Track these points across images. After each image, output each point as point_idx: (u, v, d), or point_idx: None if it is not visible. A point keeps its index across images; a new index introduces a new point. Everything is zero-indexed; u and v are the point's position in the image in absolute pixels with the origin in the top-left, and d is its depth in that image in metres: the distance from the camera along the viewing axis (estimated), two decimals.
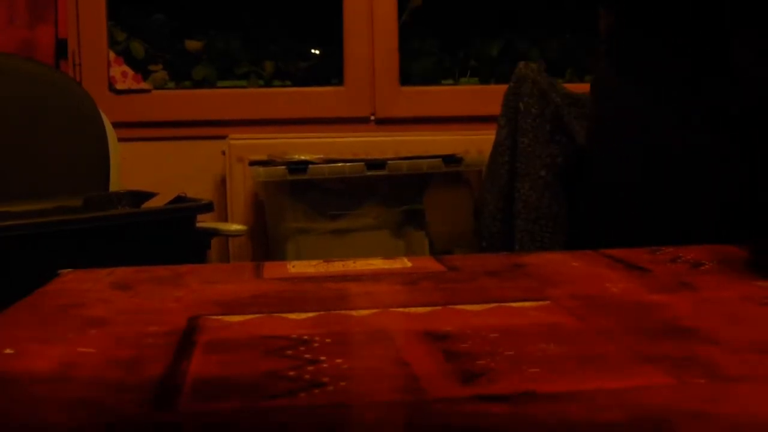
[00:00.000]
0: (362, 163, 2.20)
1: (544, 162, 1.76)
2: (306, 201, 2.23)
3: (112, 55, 2.56)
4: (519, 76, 1.79)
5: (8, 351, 0.50)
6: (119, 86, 2.57)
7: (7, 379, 0.45)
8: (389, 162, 2.21)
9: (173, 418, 0.39)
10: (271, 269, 0.80)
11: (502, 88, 1.86)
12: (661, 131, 0.95)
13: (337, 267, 0.80)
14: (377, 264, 0.81)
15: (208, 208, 1.66)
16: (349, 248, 2.20)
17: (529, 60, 2.08)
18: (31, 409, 0.41)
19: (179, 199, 1.66)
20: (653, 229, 0.95)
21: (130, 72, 2.61)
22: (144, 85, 2.62)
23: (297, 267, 0.80)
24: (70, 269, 0.79)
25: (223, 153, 2.43)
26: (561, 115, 1.78)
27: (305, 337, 0.53)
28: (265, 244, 2.40)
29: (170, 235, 1.59)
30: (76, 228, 1.49)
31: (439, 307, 0.62)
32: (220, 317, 0.60)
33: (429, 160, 2.23)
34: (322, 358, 0.49)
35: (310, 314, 0.60)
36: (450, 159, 2.24)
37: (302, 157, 2.23)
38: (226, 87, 2.86)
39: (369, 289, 0.70)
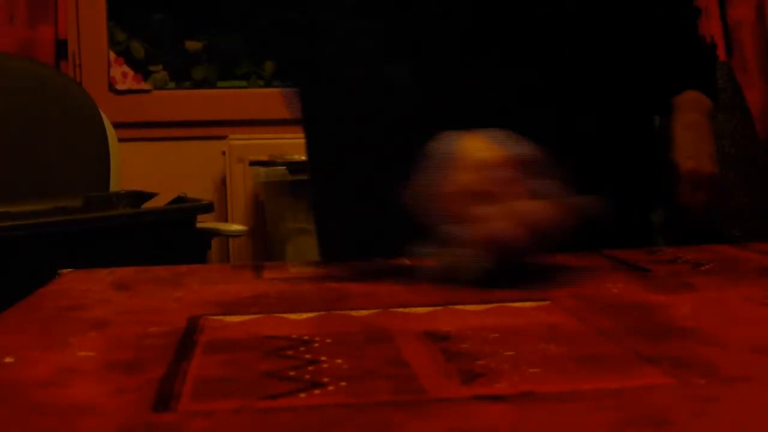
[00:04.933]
0: None
1: None
2: (306, 201, 2.23)
3: (112, 55, 2.57)
4: None
5: (8, 360, 0.50)
6: (119, 86, 2.57)
7: (8, 387, 0.45)
8: None
9: (173, 418, 0.39)
10: (271, 269, 0.80)
11: None
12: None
13: (337, 267, 0.79)
14: (377, 264, 0.81)
15: (208, 208, 1.66)
16: None
17: None
18: (32, 416, 0.41)
19: (179, 199, 1.66)
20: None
21: (131, 72, 2.61)
22: (144, 86, 2.62)
23: (297, 267, 0.80)
24: (70, 269, 0.79)
25: (223, 153, 2.43)
26: None
27: (305, 337, 0.53)
28: (265, 244, 2.40)
29: (170, 235, 1.59)
30: (76, 228, 1.50)
31: (439, 307, 0.62)
32: (220, 317, 0.60)
33: None
34: (322, 358, 0.49)
35: (310, 314, 0.60)
36: None
37: (302, 158, 2.23)
38: (226, 87, 2.86)
39: (369, 289, 0.70)
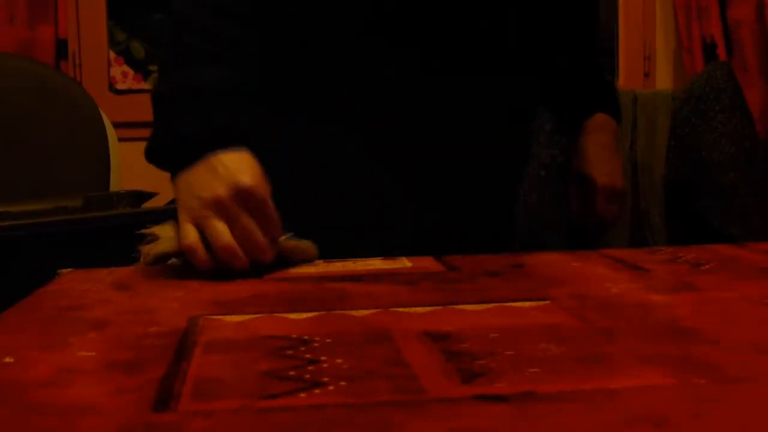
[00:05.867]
0: None
1: (544, 162, 1.77)
2: None
3: (112, 55, 2.57)
4: None
5: (8, 360, 0.50)
6: (119, 86, 2.57)
7: (8, 387, 0.45)
8: None
9: (173, 418, 0.39)
10: (271, 269, 0.79)
11: None
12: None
13: (337, 267, 0.80)
14: (377, 264, 0.81)
15: None
16: None
17: None
18: (32, 416, 0.41)
19: None
20: None
21: (131, 72, 2.61)
22: (144, 86, 2.62)
23: (297, 267, 0.80)
24: (70, 269, 0.79)
25: None
26: None
27: (305, 337, 0.53)
28: None
29: None
30: (76, 228, 1.49)
31: (439, 307, 0.62)
32: (220, 317, 0.60)
33: None
34: (322, 358, 0.49)
35: (310, 314, 0.60)
36: None
37: None
38: None
39: (369, 289, 0.70)
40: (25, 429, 0.39)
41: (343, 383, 0.44)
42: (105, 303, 0.66)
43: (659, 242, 1.91)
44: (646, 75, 2.64)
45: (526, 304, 0.62)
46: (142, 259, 0.76)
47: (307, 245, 0.82)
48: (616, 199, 1.07)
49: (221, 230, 0.74)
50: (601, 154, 1.08)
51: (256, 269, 0.77)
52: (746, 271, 0.76)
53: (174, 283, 0.73)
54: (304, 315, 0.60)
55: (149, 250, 0.75)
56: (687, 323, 0.56)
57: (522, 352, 0.49)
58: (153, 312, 0.63)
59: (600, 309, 0.61)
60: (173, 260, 0.76)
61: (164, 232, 0.78)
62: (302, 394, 0.42)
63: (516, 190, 1.11)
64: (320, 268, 0.79)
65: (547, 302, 0.63)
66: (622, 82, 2.64)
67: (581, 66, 1.15)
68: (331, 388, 0.43)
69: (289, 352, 0.50)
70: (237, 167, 0.77)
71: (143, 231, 0.77)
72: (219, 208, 0.75)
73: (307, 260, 0.81)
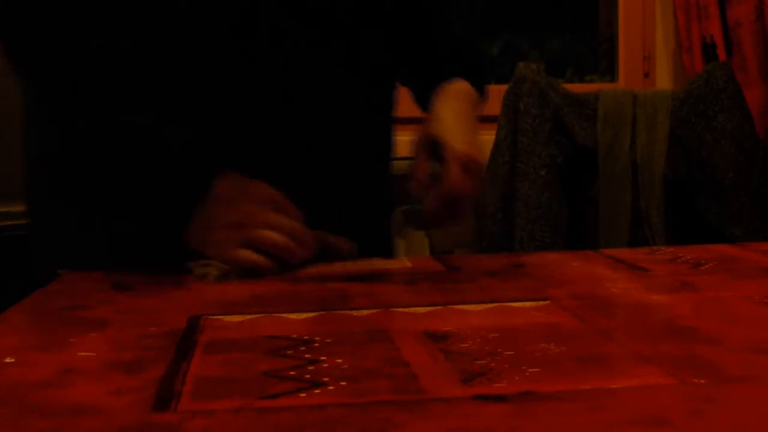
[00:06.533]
0: None
1: (544, 162, 1.77)
2: None
3: None
4: (519, 76, 1.79)
5: (9, 360, 0.50)
6: None
7: (8, 387, 0.45)
8: None
9: (173, 418, 0.39)
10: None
11: (502, 88, 1.86)
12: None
13: (338, 267, 0.80)
14: (377, 264, 0.81)
15: None
16: None
17: (529, 60, 2.08)
18: (32, 416, 0.41)
19: None
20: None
21: None
22: None
23: (297, 267, 0.80)
24: (70, 269, 0.79)
25: None
26: (561, 115, 1.78)
27: (305, 337, 0.53)
28: None
29: None
30: None
31: (439, 307, 0.62)
32: (220, 317, 0.60)
33: None
34: (323, 358, 0.49)
35: (311, 314, 0.60)
36: None
37: None
38: None
39: (369, 289, 0.70)
40: (26, 429, 0.39)
41: (343, 383, 0.44)
42: (105, 303, 0.66)
43: (659, 242, 1.91)
44: (646, 75, 2.64)
45: (526, 304, 0.62)
46: (200, 274, 0.77)
47: (341, 240, 0.84)
48: (474, 173, 0.87)
49: (271, 235, 0.78)
50: (457, 123, 0.92)
51: (296, 266, 0.79)
52: (746, 271, 0.77)
53: (174, 283, 0.73)
54: (305, 315, 0.60)
55: (208, 271, 0.77)
56: (687, 323, 0.56)
57: (522, 352, 0.49)
58: (153, 312, 0.63)
59: (600, 309, 0.61)
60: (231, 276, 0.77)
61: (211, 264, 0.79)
62: (302, 394, 0.42)
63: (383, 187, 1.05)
64: (320, 268, 0.79)
65: (547, 302, 0.63)
66: (622, 82, 2.64)
67: (439, 38, 1.05)
68: (331, 388, 0.43)
69: (289, 352, 0.50)
70: (242, 185, 0.80)
71: (191, 263, 0.78)
72: (255, 220, 0.78)
73: (344, 255, 0.83)
